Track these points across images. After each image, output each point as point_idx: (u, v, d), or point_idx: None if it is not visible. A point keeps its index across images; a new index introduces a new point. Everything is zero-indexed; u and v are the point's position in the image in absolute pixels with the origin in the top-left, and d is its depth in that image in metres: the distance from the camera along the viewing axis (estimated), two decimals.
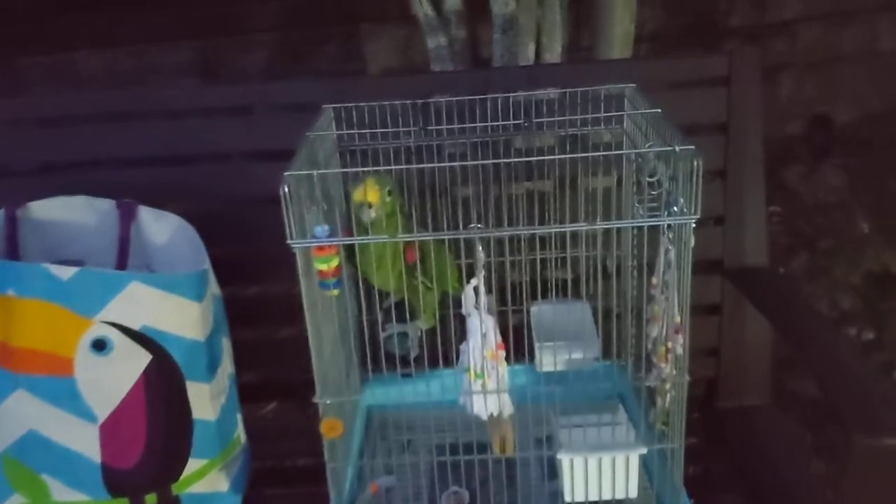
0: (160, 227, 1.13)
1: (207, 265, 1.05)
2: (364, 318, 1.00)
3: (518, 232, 0.88)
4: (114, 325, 0.98)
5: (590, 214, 1.09)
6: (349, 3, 2.27)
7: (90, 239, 1.15)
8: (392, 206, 0.95)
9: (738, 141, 1.23)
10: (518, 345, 1.03)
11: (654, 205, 0.88)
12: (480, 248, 0.82)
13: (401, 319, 1.00)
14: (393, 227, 0.94)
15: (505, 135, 1.04)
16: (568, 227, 0.81)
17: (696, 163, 0.78)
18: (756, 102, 1.23)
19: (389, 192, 0.94)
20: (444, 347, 0.99)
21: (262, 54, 2.37)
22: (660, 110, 0.93)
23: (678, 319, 0.85)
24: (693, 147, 0.80)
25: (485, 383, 0.87)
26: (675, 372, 0.87)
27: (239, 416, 1.14)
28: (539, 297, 1.19)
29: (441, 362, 0.97)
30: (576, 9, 1.92)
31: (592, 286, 1.14)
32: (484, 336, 0.86)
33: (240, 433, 1.14)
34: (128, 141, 1.25)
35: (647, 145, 0.85)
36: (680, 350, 0.86)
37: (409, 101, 1.08)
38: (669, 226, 0.83)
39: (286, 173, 0.82)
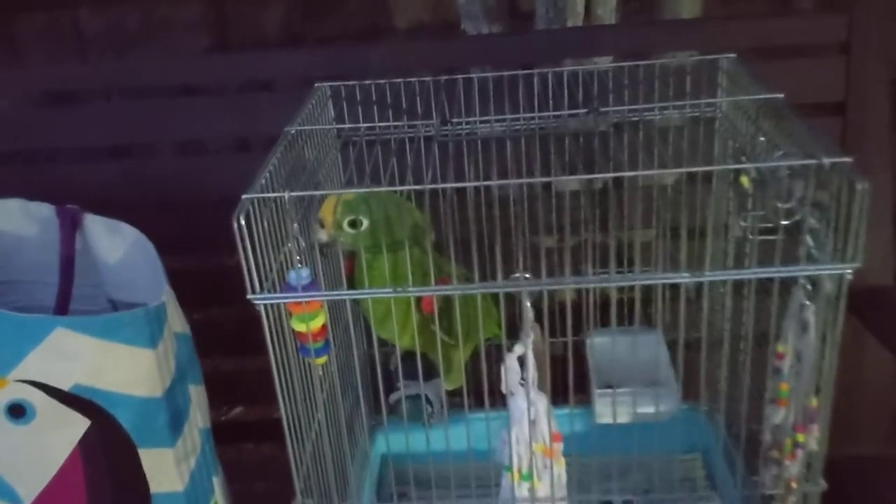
0: (112, 243, 0.88)
1: (165, 296, 0.80)
2: (375, 350, 0.75)
3: (585, 285, 0.60)
4: (35, 384, 0.74)
5: (662, 222, 0.82)
6: None
7: (30, 253, 0.91)
8: (370, 238, 0.69)
9: (859, 126, 0.94)
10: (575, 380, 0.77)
11: (768, 232, 0.61)
12: (529, 303, 0.56)
13: (415, 375, 0.73)
14: (398, 270, 0.68)
15: (556, 124, 0.77)
16: (659, 279, 0.54)
17: (858, 186, 0.51)
18: (881, 78, 0.94)
19: (353, 224, 0.68)
20: (475, 381, 0.74)
21: (279, 8, 2.11)
22: (782, 95, 0.65)
23: (814, 404, 0.59)
24: (850, 160, 0.52)
25: (534, 488, 0.62)
26: (804, 474, 0.61)
27: (216, 480, 0.90)
28: (594, 321, 0.92)
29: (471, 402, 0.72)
30: None
31: (669, 311, 0.87)
32: (533, 423, 0.60)
33: (217, 500, 0.90)
34: (73, 127, 1.00)
35: (776, 155, 0.58)
36: (815, 445, 0.60)
37: (428, 79, 0.81)
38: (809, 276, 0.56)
39: (244, 195, 0.56)
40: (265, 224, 0.57)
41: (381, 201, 0.67)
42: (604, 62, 1.10)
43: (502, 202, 0.84)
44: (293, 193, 0.57)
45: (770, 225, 0.63)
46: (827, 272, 0.54)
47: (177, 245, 1.05)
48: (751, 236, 0.64)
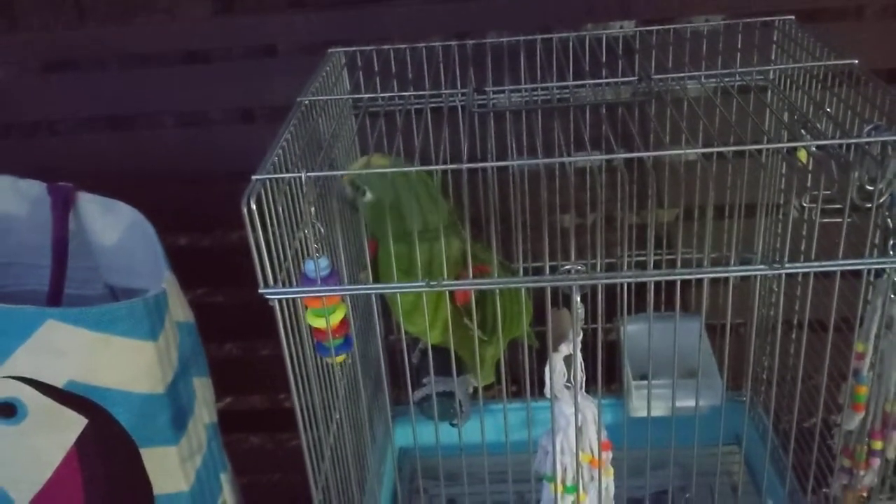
0: (109, 223, 0.81)
1: (166, 283, 0.73)
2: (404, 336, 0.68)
3: (646, 279, 0.52)
4: (25, 380, 0.67)
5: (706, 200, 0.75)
6: None
7: (21, 234, 0.85)
8: (398, 222, 0.61)
9: None
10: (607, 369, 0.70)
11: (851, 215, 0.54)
12: (579, 297, 0.49)
13: (442, 370, 0.67)
14: (433, 259, 0.60)
15: (593, 94, 0.69)
16: (733, 271, 0.47)
17: None
18: None
19: (356, 187, 0.60)
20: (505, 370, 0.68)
21: None
22: (856, 62, 0.58)
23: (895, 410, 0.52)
24: None
25: (579, 501, 0.55)
26: (880, 486, 0.54)
27: (224, 477, 0.84)
28: (628, 306, 0.85)
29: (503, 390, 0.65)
30: None
31: (710, 295, 0.81)
32: (580, 431, 0.53)
33: (226, 498, 0.84)
34: (70, 96, 0.93)
35: (866, 129, 0.51)
36: (893, 454, 0.53)
37: (453, 43, 0.73)
38: None
39: (254, 176, 0.49)
40: (278, 208, 0.50)
41: (409, 182, 0.60)
42: (629, 25, 1.03)
43: (531, 180, 0.77)
44: (311, 174, 0.50)
45: (837, 206, 0.56)
46: None
47: (178, 222, 0.98)
48: (819, 219, 0.57)
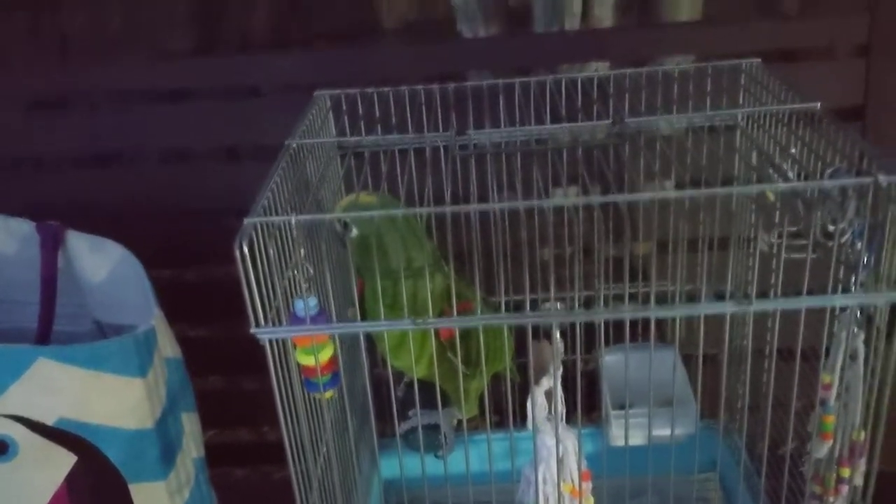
0: (97, 261, 0.83)
1: (155, 319, 0.75)
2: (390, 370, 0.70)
3: (621, 316, 0.55)
4: (17, 419, 0.68)
5: (679, 234, 0.77)
6: None
7: (10, 271, 0.86)
8: (384, 261, 0.63)
9: (879, 131, 0.90)
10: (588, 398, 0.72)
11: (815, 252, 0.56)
12: (559, 334, 0.51)
13: (427, 403, 0.69)
14: (417, 296, 0.62)
15: (570, 136, 0.72)
16: (704, 309, 0.50)
17: None
18: None
19: (345, 225, 0.62)
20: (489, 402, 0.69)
21: (265, 7, 2.05)
22: (818, 105, 0.61)
23: (862, 437, 0.55)
24: None
25: None
26: None
27: None
28: (606, 337, 0.87)
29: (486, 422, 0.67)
30: None
31: (684, 326, 0.83)
32: (561, 462, 0.56)
33: None
34: (55, 134, 0.95)
35: (828, 172, 0.54)
36: (860, 480, 0.56)
37: (435, 86, 0.76)
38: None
39: (246, 220, 0.51)
40: (269, 250, 0.52)
41: (393, 220, 0.63)
42: (603, 67, 1.06)
43: (511, 217, 0.79)
44: (301, 217, 0.52)
45: (803, 242, 0.59)
46: (883, 302, 0.50)
47: (163, 256, 1.00)
48: (786, 254, 0.59)
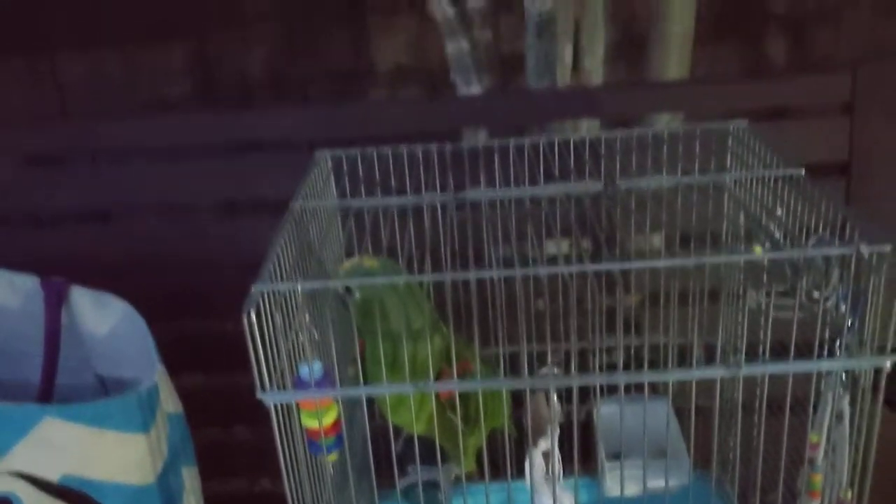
0: (100, 316, 0.84)
1: (158, 375, 0.76)
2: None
3: (615, 381, 0.57)
4: (22, 476, 0.69)
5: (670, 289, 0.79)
6: None
7: (13, 324, 0.87)
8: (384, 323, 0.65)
9: (863, 187, 0.93)
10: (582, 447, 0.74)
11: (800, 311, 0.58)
12: (556, 397, 0.53)
13: (425, 458, 0.70)
14: (417, 357, 0.64)
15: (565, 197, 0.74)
16: (697, 374, 0.51)
17: None
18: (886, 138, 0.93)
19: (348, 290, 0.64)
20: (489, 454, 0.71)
21: (261, 51, 2.09)
22: (803, 171, 0.64)
23: (849, 496, 0.56)
24: (889, 248, 0.50)
25: None
26: None
27: None
28: (603, 388, 0.89)
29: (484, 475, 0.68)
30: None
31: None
32: None
33: None
34: (56, 189, 0.97)
35: (811, 242, 0.56)
36: None
37: (433, 145, 0.78)
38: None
39: (254, 287, 0.53)
40: (275, 318, 0.54)
41: (394, 287, 0.64)
42: (594, 126, 1.09)
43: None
44: (306, 285, 0.54)
45: (790, 302, 0.61)
46: (867, 366, 0.52)
47: (163, 310, 1.01)
48: (773, 313, 0.61)
